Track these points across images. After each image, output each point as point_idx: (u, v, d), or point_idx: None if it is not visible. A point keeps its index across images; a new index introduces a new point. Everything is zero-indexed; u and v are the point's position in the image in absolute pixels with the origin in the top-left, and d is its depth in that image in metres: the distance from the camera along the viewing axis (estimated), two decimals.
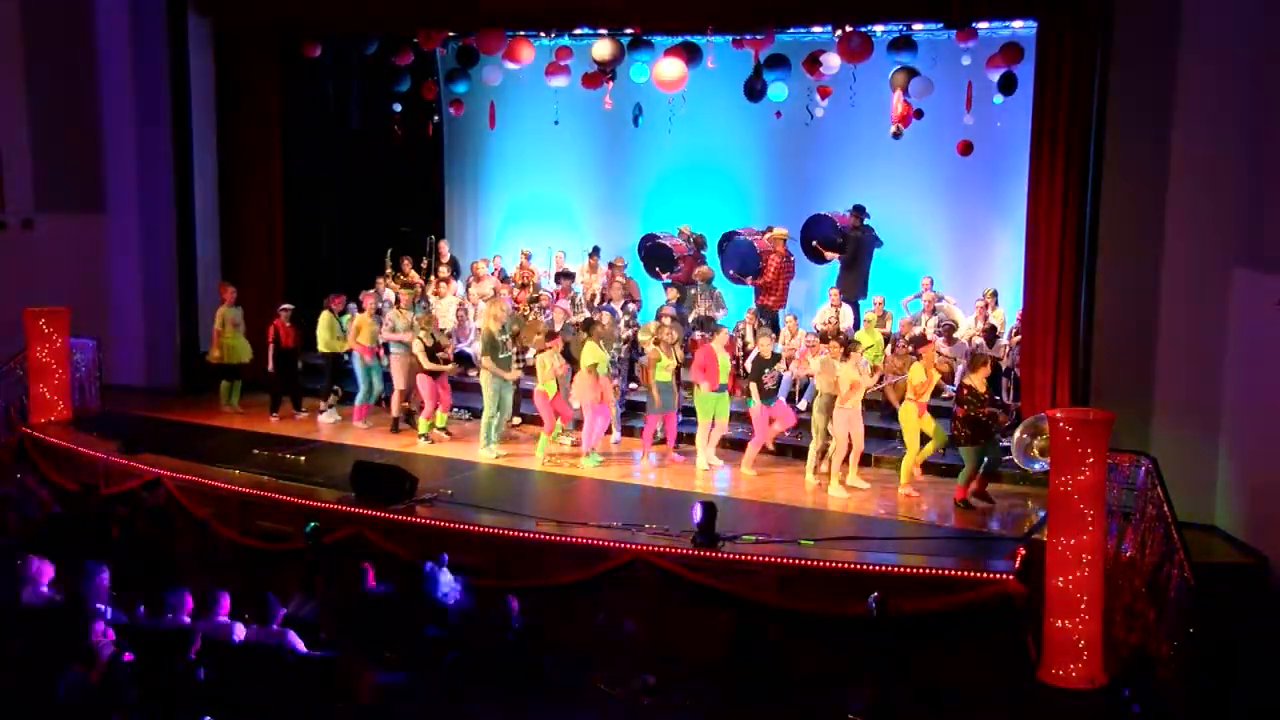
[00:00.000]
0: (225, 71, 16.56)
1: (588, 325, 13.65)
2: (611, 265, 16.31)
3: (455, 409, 14.77)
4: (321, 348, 15.08)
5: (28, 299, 14.96)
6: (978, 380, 11.85)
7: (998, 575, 9.81)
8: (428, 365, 13.97)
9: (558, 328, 14.42)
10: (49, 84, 16.21)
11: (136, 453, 13.13)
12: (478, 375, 14.06)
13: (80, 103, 16.50)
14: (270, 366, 15.10)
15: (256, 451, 13.50)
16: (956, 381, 12.71)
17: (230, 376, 15.47)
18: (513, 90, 16.62)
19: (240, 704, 8.06)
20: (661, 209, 17.78)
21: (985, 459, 11.80)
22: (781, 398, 13.66)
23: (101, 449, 13.43)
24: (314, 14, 15.77)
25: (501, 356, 13.52)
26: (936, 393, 12.66)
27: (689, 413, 13.98)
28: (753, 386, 12.98)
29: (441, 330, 14.57)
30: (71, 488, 13.20)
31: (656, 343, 13.43)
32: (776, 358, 13.18)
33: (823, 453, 12.63)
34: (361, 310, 14.98)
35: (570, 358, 13.79)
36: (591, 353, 13.24)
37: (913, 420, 12.22)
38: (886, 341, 14.64)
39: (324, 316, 15.04)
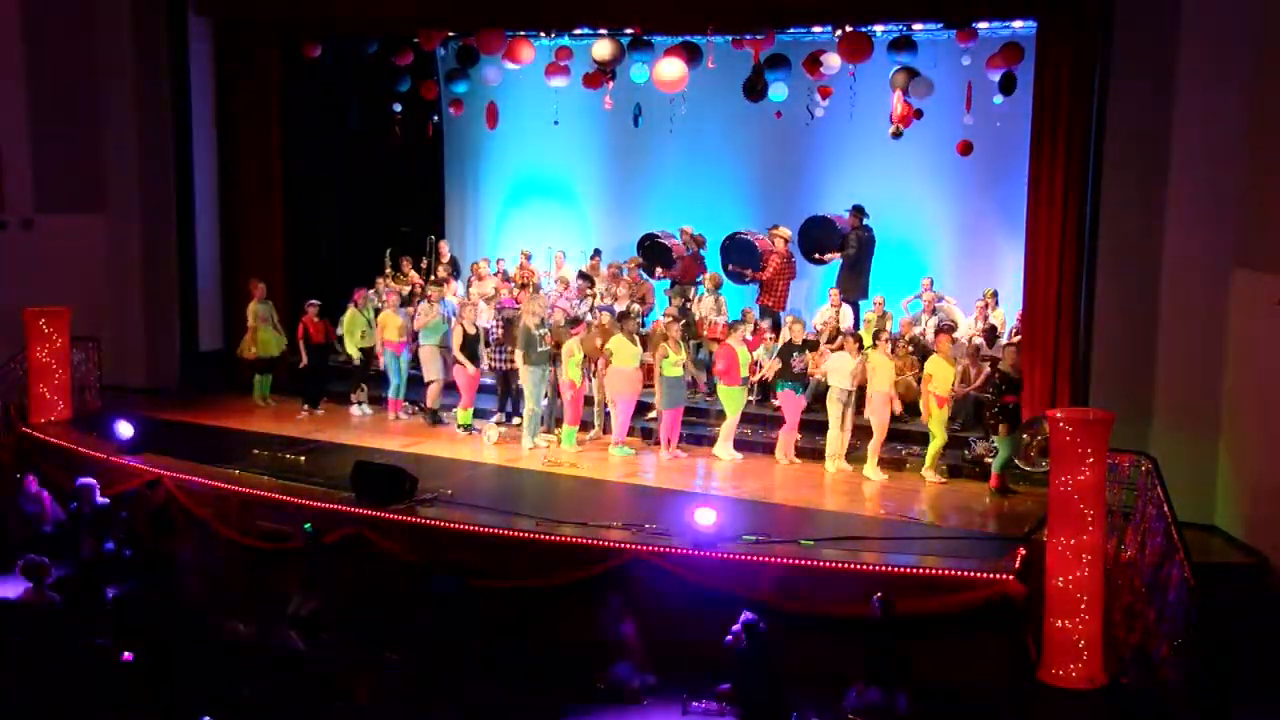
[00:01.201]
0: (225, 72, 16.57)
1: (623, 318, 13.75)
2: (625, 266, 16.27)
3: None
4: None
5: (28, 299, 14.95)
6: (1010, 367, 12.20)
7: (998, 575, 9.80)
8: (459, 356, 14.18)
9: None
10: (49, 84, 16.18)
11: (136, 452, 13.14)
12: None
13: (80, 103, 16.46)
14: (304, 363, 15.37)
15: (256, 452, 13.50)
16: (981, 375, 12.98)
17: (264, 371, 15.71)
18: (513, 90, 16.61)
19: (240, 704, 8.06)
20: (662, 209, 17.74)
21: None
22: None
23: (101, 449, 13.44)
24: (314, 14, 15.77)
25: (540, 350, 13.67)
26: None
27: (690, 412, 14.01)
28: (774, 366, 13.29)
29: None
30: (71, 488, 13.17)
31: (664, 339, 13.47)
32: (807, 344, 13.23)
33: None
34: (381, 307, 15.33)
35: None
36: (621, 345, 13.31)
37: (935, 411, 12.45)
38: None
39: (349, 313, 15.36)
